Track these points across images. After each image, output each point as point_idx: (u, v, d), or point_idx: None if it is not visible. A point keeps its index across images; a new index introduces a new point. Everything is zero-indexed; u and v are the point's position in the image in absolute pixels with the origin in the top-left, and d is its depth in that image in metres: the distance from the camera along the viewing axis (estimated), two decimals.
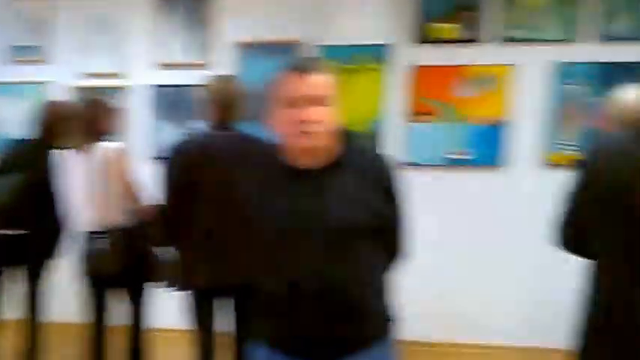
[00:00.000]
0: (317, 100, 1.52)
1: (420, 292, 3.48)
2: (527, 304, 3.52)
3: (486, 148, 3.45)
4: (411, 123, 3.49)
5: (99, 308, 2.77)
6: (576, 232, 1.88)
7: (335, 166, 1.59)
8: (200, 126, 2.49)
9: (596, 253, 1.81)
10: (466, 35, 3.40)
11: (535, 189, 3.45)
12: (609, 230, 1.76)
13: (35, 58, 3.83)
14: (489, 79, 3.41)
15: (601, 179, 1.75)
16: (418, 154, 3.50)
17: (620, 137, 1.89)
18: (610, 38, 3.29)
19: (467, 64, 3.41)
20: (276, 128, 1.59)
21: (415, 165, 3.49)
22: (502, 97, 3.41)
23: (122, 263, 2.62)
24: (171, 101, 3.67)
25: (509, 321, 3.54)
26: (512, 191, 3.48)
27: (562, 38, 3.33)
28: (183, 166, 2.32)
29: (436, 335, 3.57)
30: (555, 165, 3.40)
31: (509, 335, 3.54)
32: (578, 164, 1.86)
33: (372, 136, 3.44)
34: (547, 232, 3.34)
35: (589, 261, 1.89)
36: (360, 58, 3.47)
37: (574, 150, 3.37)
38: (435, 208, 3.52)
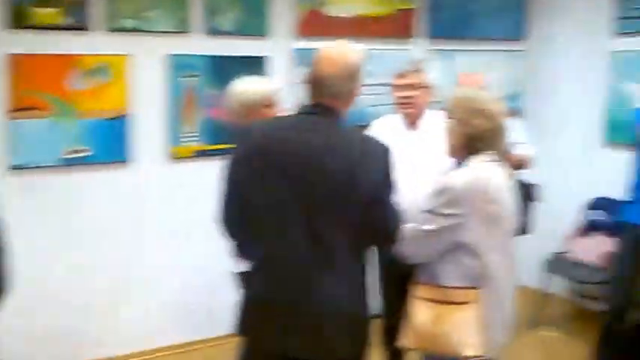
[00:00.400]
0: None
1: (52, 314, 3.08)
2: (174, 301, 3.43)
3: (108, 144, 3.19)
4: (14, 120, 2.98)
5: None
6: (237, 216, 1.88)
7: None
8: None
9: (257, 235, 1.82)
10: (72, 22, 3.06)
11: (163, 183, 3.36)
12: (275, 211, 1.76)
13: None
14: (104, 70, 3.16)
15: (265, 165, 1.76)
16: (26, 155, 3.02)
17: (274, 122, 1.97)
18: (217, 32, 3.40)
19: (77, 53, 3.08)
20: None
21: (23, 168, 3.02)
22: (121, 89, 3.20)
23: None
24: None
25: (162, 320, 3.40)
26: (140, 187, 3.32)
27: (174, 30, 3.30)
28: None
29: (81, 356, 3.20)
30: (180, 158, 3.38)
31: (169, 335, 3.41)
32: (233, 152, 1.86)
33: None
34: (179, 224, 3.35)
35: (244, 242, 1.93)
36: None
37: (197, 142, 3.41)
38: (52, 215, 3.12)
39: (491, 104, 2.00)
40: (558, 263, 3.81)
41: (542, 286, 3.83)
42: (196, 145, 3.41)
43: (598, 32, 3.91)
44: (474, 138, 1.95)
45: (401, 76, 2.73)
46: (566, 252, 3.89)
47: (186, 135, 3.40)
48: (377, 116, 3.10)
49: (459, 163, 2.01)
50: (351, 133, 1.84)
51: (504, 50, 4.19)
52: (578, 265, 3.77)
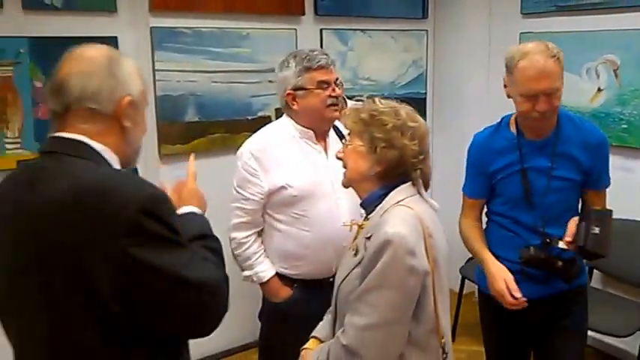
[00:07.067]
0: None
1: None
2: None
3: None
4: None
5: None
6: None
7: None
8: None
9: None
10: None
11: None
12: None
13: None
14: None
15: None
16: None
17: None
18: (41, 6, 2.55)
19: None
20: None
21: None
22: None
23: None
24: None
25: None
26: None
27: None
28: None
29: None
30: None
31: None
32: None
33: None
34: None
35: None
36: None
37: (21, 150, 2.58)
38: None
39: (414, 119, 1.48)
40: None
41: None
42: (20, 154, 2.56)
43: (506, 12, 3.49)
44: (398, 164, 1.44)
45: (325, 67, 2.01)
46: None
47: (6, 142, 2.55)
48: (262, 108, 2.50)
49: (368, 199, 1.49)
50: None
51: (404, 30, 3.66)
52: None
